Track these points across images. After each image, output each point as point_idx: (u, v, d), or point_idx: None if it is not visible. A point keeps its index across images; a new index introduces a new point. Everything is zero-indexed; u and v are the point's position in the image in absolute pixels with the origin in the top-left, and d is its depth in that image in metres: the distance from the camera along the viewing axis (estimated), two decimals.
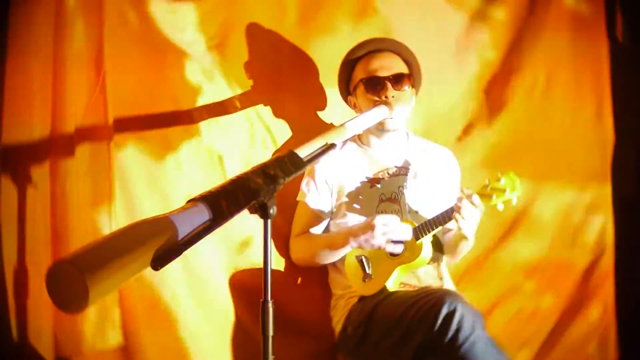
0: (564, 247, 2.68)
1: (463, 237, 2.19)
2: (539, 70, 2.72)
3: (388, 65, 2.29)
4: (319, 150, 1.55)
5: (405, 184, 2.30)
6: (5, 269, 2.06)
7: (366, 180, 2.33)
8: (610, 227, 2.68)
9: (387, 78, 2.26)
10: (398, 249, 2.10)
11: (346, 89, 2.42)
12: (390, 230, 2.06)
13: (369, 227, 2.07)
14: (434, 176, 2.37)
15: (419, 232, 2.11)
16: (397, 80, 2.27)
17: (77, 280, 1.03)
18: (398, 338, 2.01)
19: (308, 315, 2.42)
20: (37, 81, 2.13)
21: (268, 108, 2.48)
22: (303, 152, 1.49)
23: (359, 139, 2.43)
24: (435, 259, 2.26)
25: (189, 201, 1.24)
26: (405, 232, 2.10)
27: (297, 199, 2.39)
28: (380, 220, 2.07)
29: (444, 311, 1.88)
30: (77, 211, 2.12)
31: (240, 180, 1.30)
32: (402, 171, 2.34)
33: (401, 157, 2.37)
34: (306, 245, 2.34)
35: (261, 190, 1.30)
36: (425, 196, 2.31)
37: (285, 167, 1.38)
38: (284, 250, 2.42)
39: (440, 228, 2.13)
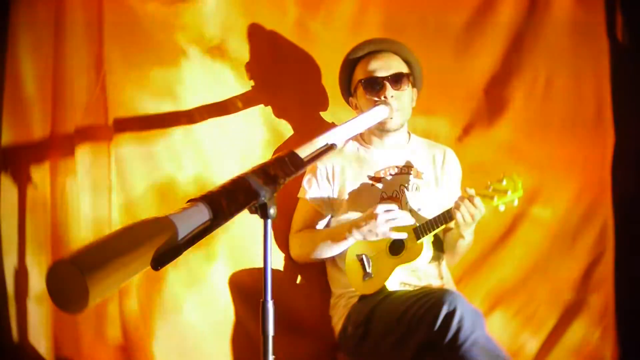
0: (564, 247, 2.68)
1: (460, 237, 2.20)
2: (539, 70, 2.71)
3: (387, 65, 2.29)
4: (319, 151, 1.55)
5: (407, 183, 2.31)
6: (5, 269, 2.07)
7: (367, 178, 2.33)
8: (610, 227, 2.68)
9: (386, 78, 2.26)
10: (403, 235, 2.11)
11: (347, 91, 2.42)
12: (392, 216, 2.08)
13: (371, 217, 2.09)
14: (435, 175, 2.38)
15: (419, 231, 2.11)
16: (396, 80, 2.27)
17: (77, 280, 1.02)
18: (398, 338, 2.01)
19: (308, 315, 2.42)
20: (37, 81, 2.13)
21: (268, 108, 2.48)
22: (303, 152, 1.49)
23: (361, 137, 2.43)
24: (436, 258, 2.27)
25: (189, 201, 1.24)
26: (407, 218, 2.11)
27: (298, 195, 2.39)
28: (382, 207, 2.09)
29: (444, 311, 1.88)
30: (77, 211, 2.12)
31: (240, 180, 1.30)
32: (404, 170, 2.35)
33: (403, 156, 2.38)
34: (306, 240, 2.33)
35: (261, 190, 1.30)
36: (426, 195, 2.31)
37: (285, 167, 1.39)
38: (283, 248, 2.42)
39: (441, 228, 2.13)
